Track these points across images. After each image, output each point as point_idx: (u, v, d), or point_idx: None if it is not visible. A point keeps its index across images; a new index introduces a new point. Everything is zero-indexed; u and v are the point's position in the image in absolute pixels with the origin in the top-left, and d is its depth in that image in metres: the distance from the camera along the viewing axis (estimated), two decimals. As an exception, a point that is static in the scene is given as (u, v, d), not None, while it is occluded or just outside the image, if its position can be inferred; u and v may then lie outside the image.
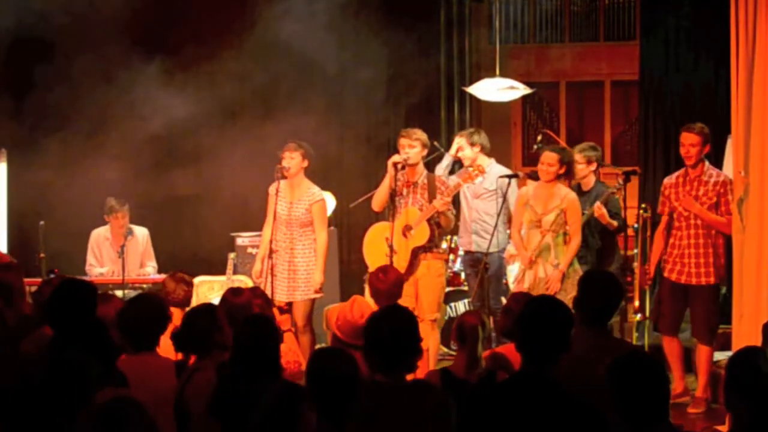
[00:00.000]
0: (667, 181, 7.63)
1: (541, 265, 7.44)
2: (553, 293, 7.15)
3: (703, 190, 7.40)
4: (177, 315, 5.98)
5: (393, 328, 4.12)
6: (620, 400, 3.56)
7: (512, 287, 7.95)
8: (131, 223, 9.02)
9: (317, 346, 7.82)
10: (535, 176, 7.95)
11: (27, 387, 3.65)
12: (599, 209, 7.66)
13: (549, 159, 7.51)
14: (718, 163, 9.38)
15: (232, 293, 5.53)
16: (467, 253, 8.51)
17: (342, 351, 4.05)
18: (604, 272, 5.83)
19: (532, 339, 3.88)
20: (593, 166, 8.06)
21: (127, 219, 8.95)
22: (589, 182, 8.08)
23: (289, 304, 7.86)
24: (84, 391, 3.65)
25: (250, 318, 4.74)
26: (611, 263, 7.91)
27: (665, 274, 7.49)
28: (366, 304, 5.56)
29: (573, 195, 7.55)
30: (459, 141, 8.34)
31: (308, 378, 3.80)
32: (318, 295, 7.92)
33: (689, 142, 7.41)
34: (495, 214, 8.01)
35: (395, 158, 7.78)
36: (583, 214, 7.81)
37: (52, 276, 7.24)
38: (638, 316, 7.34)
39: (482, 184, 8.34)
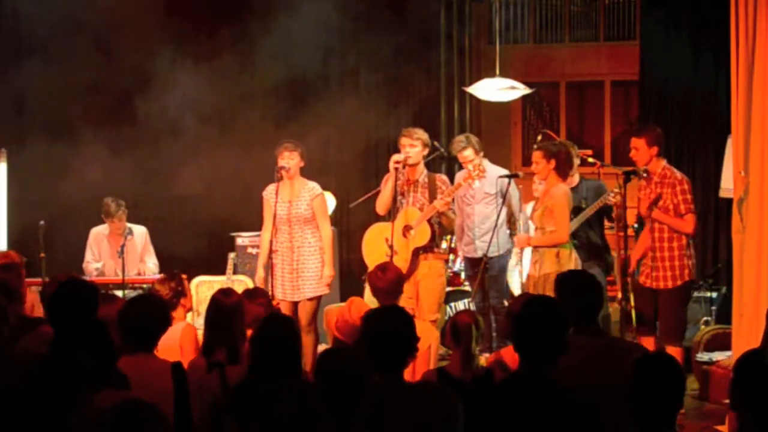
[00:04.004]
0: (640, 184, 7.51)
1: (533, 264, 7.46)
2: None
3: (658, 191, 7.25)
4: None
5: (389, 328, 4.13)
6: (639, 397, 3.57)
7: (514, 289, 7.97)
8: (130, 222, 9.03)
9: (320, 346, 7.83)
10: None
11: (26, 385, 3.65)
12: (614, 198, 7.69)
13: (534, 158, 7.53)
14: (718, 163, 9.39)
15: (222, 294, 5.53)
16: (471, 260, 8.49)
17: (351, 351, 4.06)
18: (576, 272, 5.76)
19: (528, 340, 3.89)
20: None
21: (124, 221, 8.97)
22: (573, 180, 8.07)
23: (294, 303, 7.87)
24: (78, 386, 3.64)
25: (270, 317, 4.73)
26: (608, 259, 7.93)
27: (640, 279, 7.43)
28: (364, 305, 5.56)
29: (559, 191, 7.42)
30: (468, 154, 8.27)
31: (317, 378, 3.81)
32: (325, 291, 7.91)
33: (633, 145, 7.33)
34: (502, 216, 8.03)
35: (396, 158, 7.79)
36: (581, 209, 7.81)
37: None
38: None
39: (482, 189, 8.34)
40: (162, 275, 6.30)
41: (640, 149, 7.27)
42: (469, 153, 8.28)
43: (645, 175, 7.31)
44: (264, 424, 4.01)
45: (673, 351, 7.20)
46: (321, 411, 3.75)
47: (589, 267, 7.61)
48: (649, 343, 7.26)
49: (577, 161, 8.23)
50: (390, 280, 6.06)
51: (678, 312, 7.35)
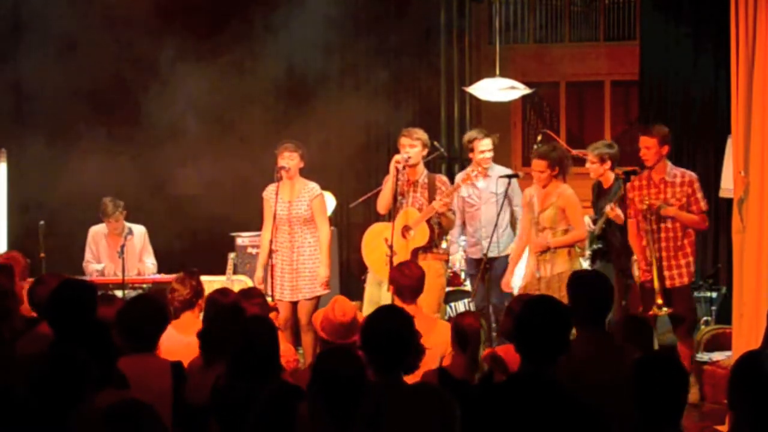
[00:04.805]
0: (629, 184, 7.57)
1: (541, 264, 7.44)
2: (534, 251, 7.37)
3: (671, 191, 7.41)
4: (187, 318, 5.92)
5: (389, 328, 4.12)
6: (642, 397, 3.57)
7: (515, 291, 7.94)
8: (130, 222, 9.03)
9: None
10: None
11: (27, 385, 3.65)
12: (612, 211, 7.62)
13: (538, 167, 7.51)
14: (718, 163, 9.39)
15: (220, 294, 5.52)
16: (476, 261, 8.44)
17: (349, 351, 4.05)
18: (590, 272, 5.80)
19: (529, 340, 3.88)
20: (607, 165, 7.97)
21: (123, 219, 8.96)
22: (609, 179, 8.01)
23: (294, 303, 7.88)
24: (82, 385, 3.64)
25: (249, 318, 4.74)
26: (631, 261, 7.82)
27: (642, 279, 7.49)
28: (348, 303, 5.54)
29: (569, 191, 7.50)
30: (487, 143, 8.27)
31: (316, 378, 3.80)
32: (325, 291, 7.92)
33: (644, 144, 7.43)
34: (502, 216, 8.02)
35: (397, 158, 7.79)
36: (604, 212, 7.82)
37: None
38: (665, 310, 7.33)
39: (488, 189, 8.30)
40: (181, 273, 6.16)
41: (652, 148, 7.40)
42: (487, 142, 8.25)
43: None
44: (243, 426, 4.01)
45: (686, 347, 7.38)
46: (302, 411, 3.74)
47: (606, 269, 7.70)
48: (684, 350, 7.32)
49: (607, 165, 8.03)
50: (415, 277, 6.02)
51: (694, 306, 7.73)
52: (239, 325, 4.66)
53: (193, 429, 4.60)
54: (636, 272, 7.63)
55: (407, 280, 6.00)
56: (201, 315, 6.07)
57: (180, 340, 5.23)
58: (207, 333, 5.10)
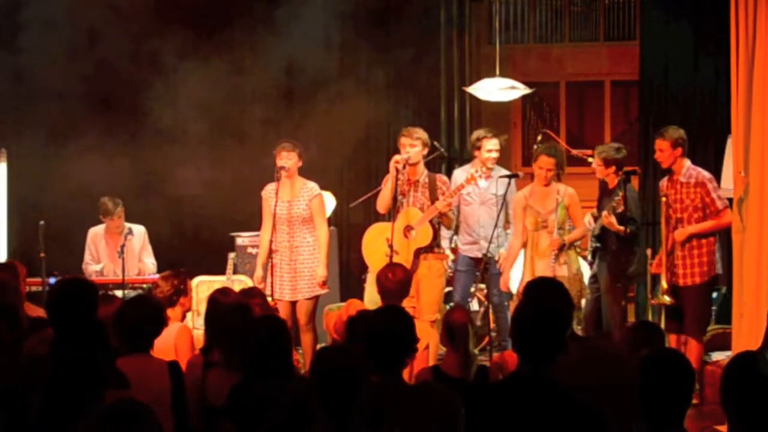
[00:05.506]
0: (661, 183, 7.81)
1: (561, 265, 7.50)
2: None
3: (685, 192, 7.54)
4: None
5: (389, 328, 4.12)
6: (647, 395, 3.56)
7: (514, 291, 7.95)
8: (130, 222, 9.03)
9: (319, 346, 7.83)
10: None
11: (33, 385, 3.65)
12: (606, 218, 7.61)
13: (547, 164, 7.58)
14: (718, 163, 9.40)
15: (221, 293, 5.54)
16: (473, 260, 8.45)
17: (349, 348, 4.06)
18: (543, 279, 5.78)
19: (527, 339, 3.88)
20: (612, 169, 7.85)
21: (123, 219, 8.96)
22: (614, 180, 7.98)
23: (293, 303, 7.89)
24: (94, 387, 3.65)
25: (262, 319, 4.75)
26: (630, 264, 7.83)
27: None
28: (361, 305, 5.57)
29: (571, 189, 7.69)
30: (494, 143, 8.32)
31: (314, 376, 3.81)
32: (323, 291, 7.93)
33: (658, 147, 7.58)
34: (501, 217, 8.04)
35: (397, 158, 7.79)
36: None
37: (51, 280, 7.23)
38: (667, 299, 7.42)
39: (489, 190, 8.30)
40: (167, 271, 6.22)
41: (665, 151, 7.52)
42: (495, 142, 8.28)
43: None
44: (260, 426, 4.01)
45: (696, 347, 7.43)
46: (316, 411, 3.74)
47: (601, 268, 7.78)
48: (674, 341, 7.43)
49: (611, 169, 7.95)
50: (399, 282, 6.05)
51: (709, 306, 7.81)
52: (247, 324, 4.67)
53: (212, 430, 4.61)
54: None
55: (390, 284, 6.05)
56: (186, 316, 6.10)
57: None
58: (212, 333, 5.12)
